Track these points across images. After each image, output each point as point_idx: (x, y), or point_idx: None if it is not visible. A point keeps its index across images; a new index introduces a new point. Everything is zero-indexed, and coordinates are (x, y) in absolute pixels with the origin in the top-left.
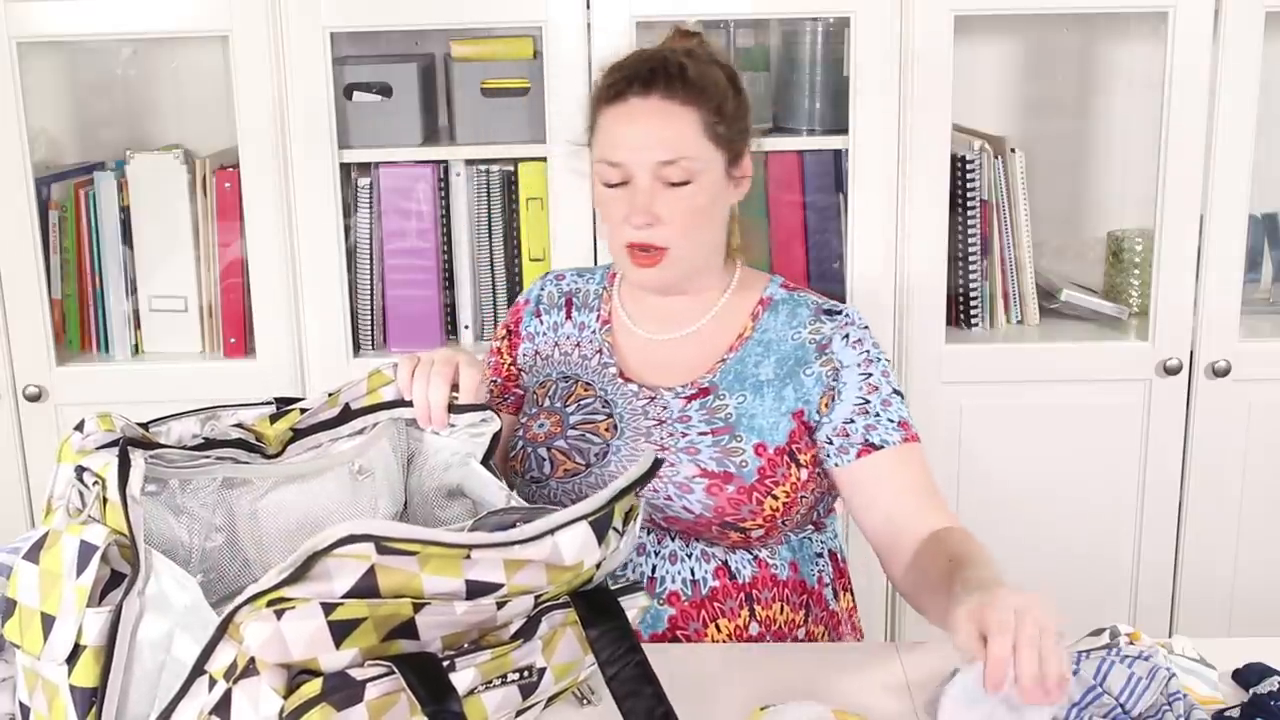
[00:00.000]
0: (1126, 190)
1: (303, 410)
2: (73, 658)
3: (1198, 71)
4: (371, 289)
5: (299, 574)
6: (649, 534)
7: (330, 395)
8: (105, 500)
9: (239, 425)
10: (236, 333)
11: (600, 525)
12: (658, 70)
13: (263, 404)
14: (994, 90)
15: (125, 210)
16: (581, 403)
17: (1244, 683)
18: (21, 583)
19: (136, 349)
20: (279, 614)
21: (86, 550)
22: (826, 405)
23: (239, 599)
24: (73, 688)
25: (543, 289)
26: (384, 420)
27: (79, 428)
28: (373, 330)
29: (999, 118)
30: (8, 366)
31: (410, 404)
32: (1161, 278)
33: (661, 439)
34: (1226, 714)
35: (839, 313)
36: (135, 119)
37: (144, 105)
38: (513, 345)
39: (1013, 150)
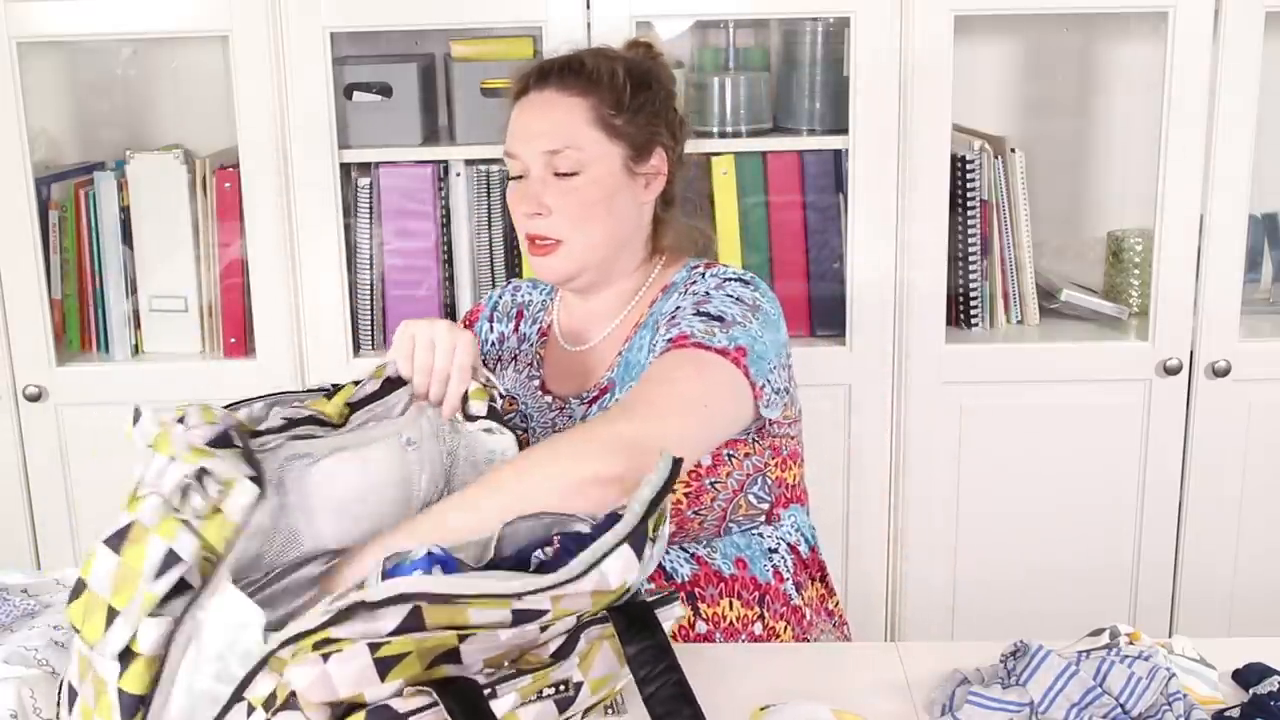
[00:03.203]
0: (1126, 190)
1: (355, 383)
2: (125, 661)
3: (1198, 71)
4: (371, 289)
5: (344, 616)
6: None
7: (377, 369)
8: (218, 510)
9: (301, 405)
10: (236, 333)
11: (638, 542)
12: (556, 65)
13: (319, 390)
14: (994, 90)
15: (125, 210)
16: (506, 417)
17: (1244, 683)
18: (97, 568)
19: (136, 349)
20: (325, 657)
21: (171, 559)
22: None
23: (283, 635)
24: (121, 691)
25: (501, 297)
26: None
27: (181, 420)
28: (373, 330)
29: (999, 118)
30: (8, 366)
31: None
32: (1161, 278)
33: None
34: (1226, 714)
35: (703, 273)
36: (135, 119)
37: (144, 105)
38: None
39: (1013, 150)
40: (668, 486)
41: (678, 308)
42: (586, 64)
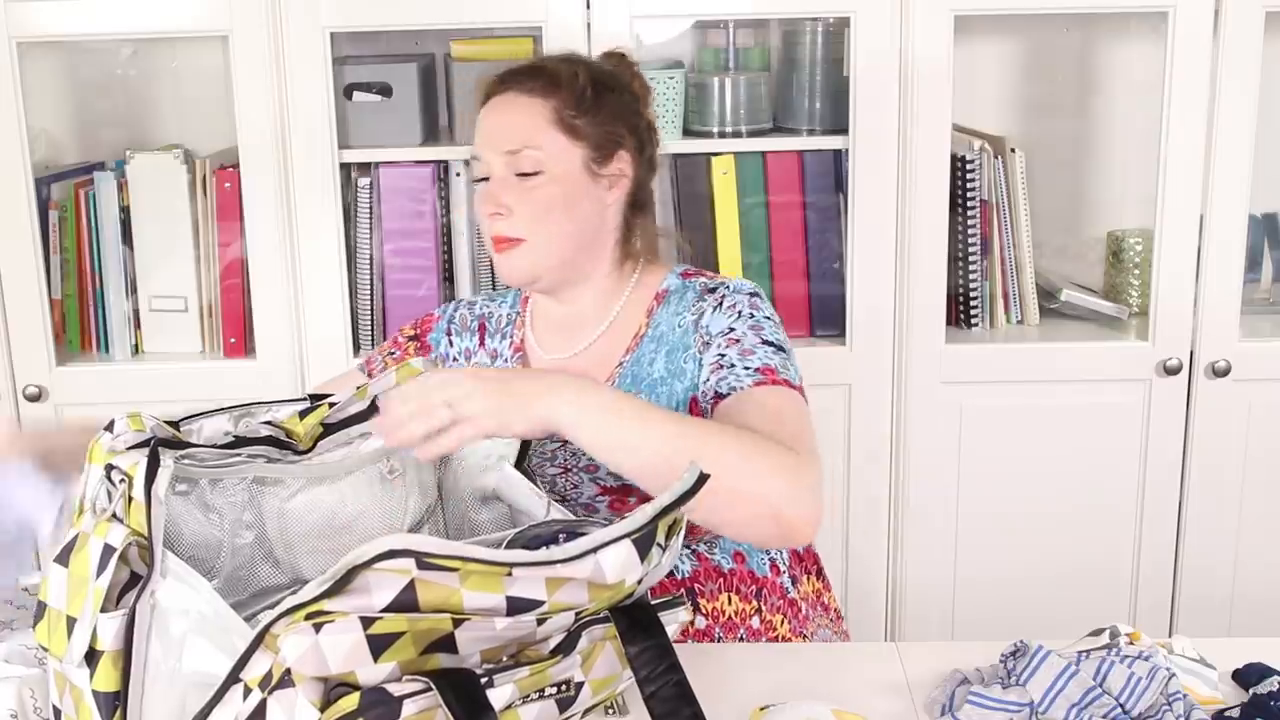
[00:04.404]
0: (1126, 190)
1: (331, 404)
2: (92, 662)
3: (1198, 71)
4: (371, 289)
5: (338, 587)
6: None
7: (359, 389)
8: (130, 499)
9: (269, 423)
10: (236, 333)
11: (643, 543)
12: (519, 69)
13: (297, 400)
14: (994, 90)
15: (125, 210)
16: None
17: (1244, 683)
18: (52, 586)
19: (136, 349)
20: (317, 627)
21: (107, 552)
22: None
23: (277, 610)
24: (95, 693)
25: (456, 310)
26: None
27: (109, 428)
28: (373, 330)
29: (999, 118)
30: (8, 366)
31: None
32: (1161, 278)
33: (565, 460)
34: (1226, 714)
35: (718, 287)
36: (135, 119)
37: (144, 105)
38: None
39: (1013, 150)
40: (687, 498)
41: (731, 329)
42: (548, 67)
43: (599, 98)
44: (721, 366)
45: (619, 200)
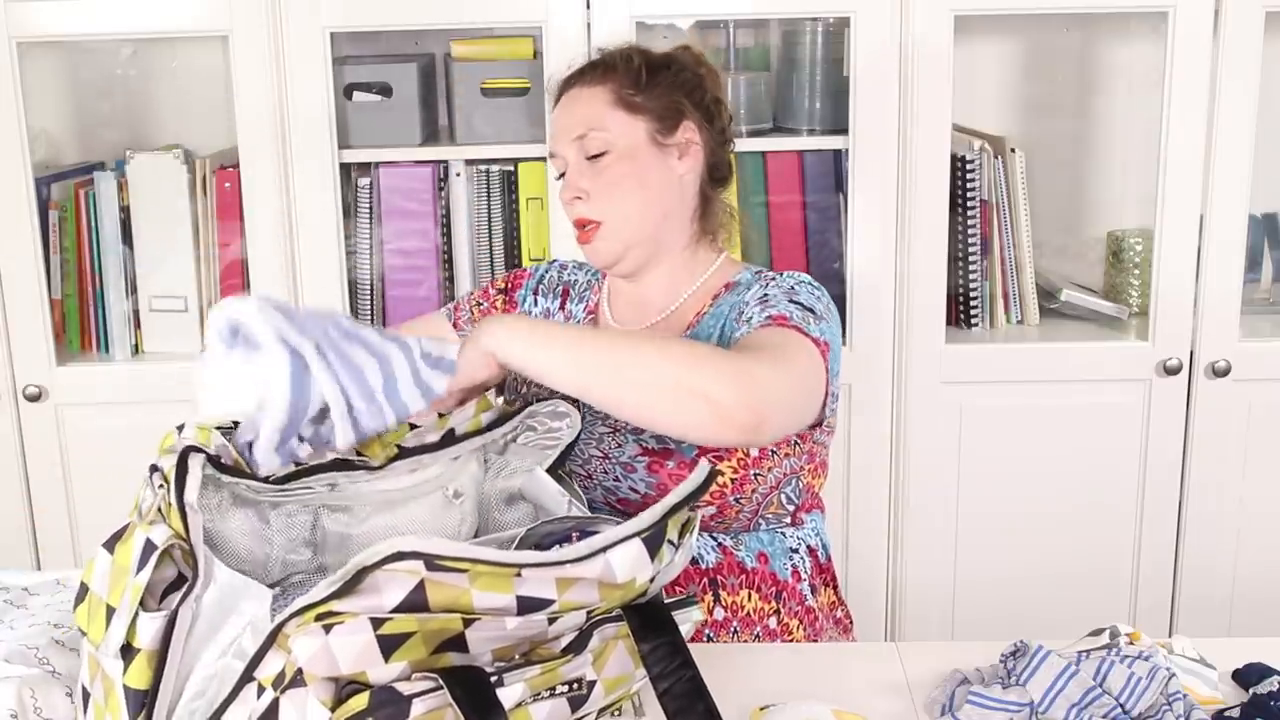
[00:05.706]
0: (1126, 190)
1: (413, 426)
2: (127, 657)
3: (1198, 71)
4: (371, 289)
5: (348, 588)
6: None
7: (441, 416)
8: (169, 504)
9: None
10: None
11: (653, 541)
12: (579, 68)
13: None
14: (994, 90)
15: (125, 210)
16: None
17: (1244, 683)
18: (96, 571)
19: (136, 349)
20: (327, 629)
21: (148, 549)
22: None
23: (288, 610)
24: (126, 688)
25: (547, 271)
26: (475, 445)
27: (181, 428)
28: None
29: (999, 118)
30: (8, 366)
31: (500, 424)
32: (1161, 278)
33: (614, 421)
34: (1226, 714)
35: (779, 275)
36: (135, 119)
37: (144, 105)
38: (508, 311)
39: (1013, 150)
40: (698, 494)
41: (765, 294)
42: (604, 57)
43: (654, 74)
44: (744, 322)
45: (693, 170)
